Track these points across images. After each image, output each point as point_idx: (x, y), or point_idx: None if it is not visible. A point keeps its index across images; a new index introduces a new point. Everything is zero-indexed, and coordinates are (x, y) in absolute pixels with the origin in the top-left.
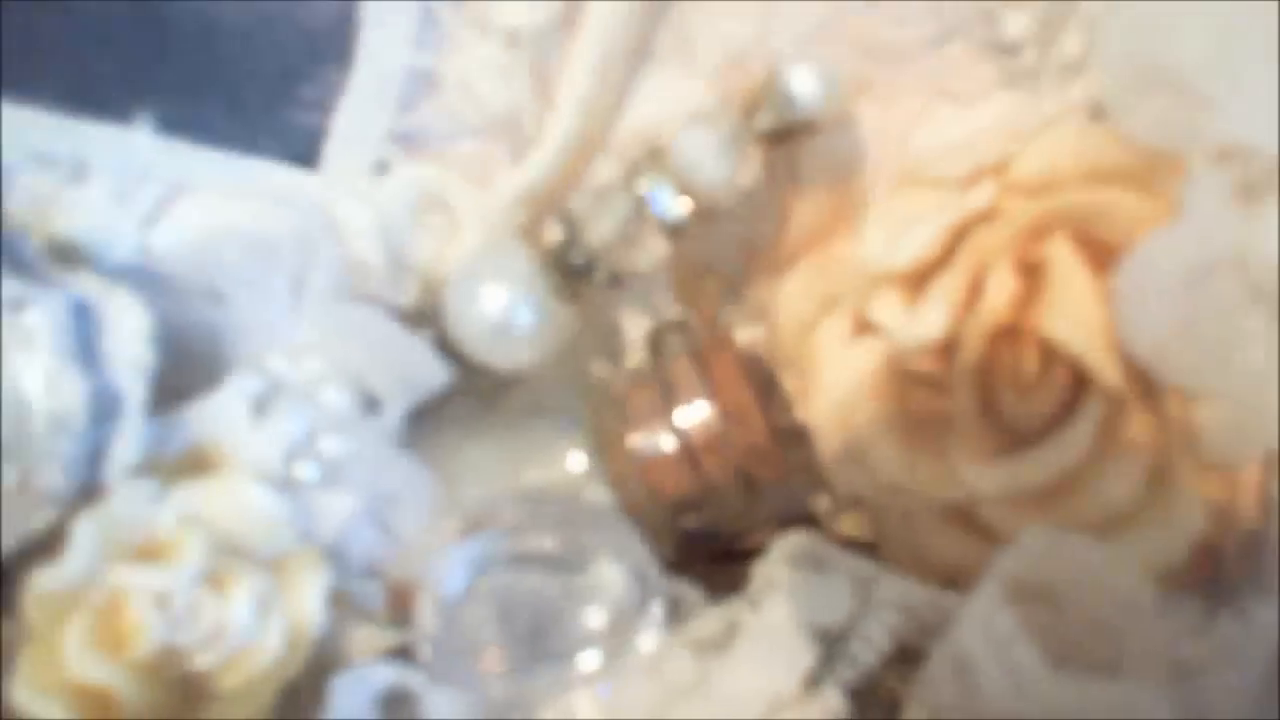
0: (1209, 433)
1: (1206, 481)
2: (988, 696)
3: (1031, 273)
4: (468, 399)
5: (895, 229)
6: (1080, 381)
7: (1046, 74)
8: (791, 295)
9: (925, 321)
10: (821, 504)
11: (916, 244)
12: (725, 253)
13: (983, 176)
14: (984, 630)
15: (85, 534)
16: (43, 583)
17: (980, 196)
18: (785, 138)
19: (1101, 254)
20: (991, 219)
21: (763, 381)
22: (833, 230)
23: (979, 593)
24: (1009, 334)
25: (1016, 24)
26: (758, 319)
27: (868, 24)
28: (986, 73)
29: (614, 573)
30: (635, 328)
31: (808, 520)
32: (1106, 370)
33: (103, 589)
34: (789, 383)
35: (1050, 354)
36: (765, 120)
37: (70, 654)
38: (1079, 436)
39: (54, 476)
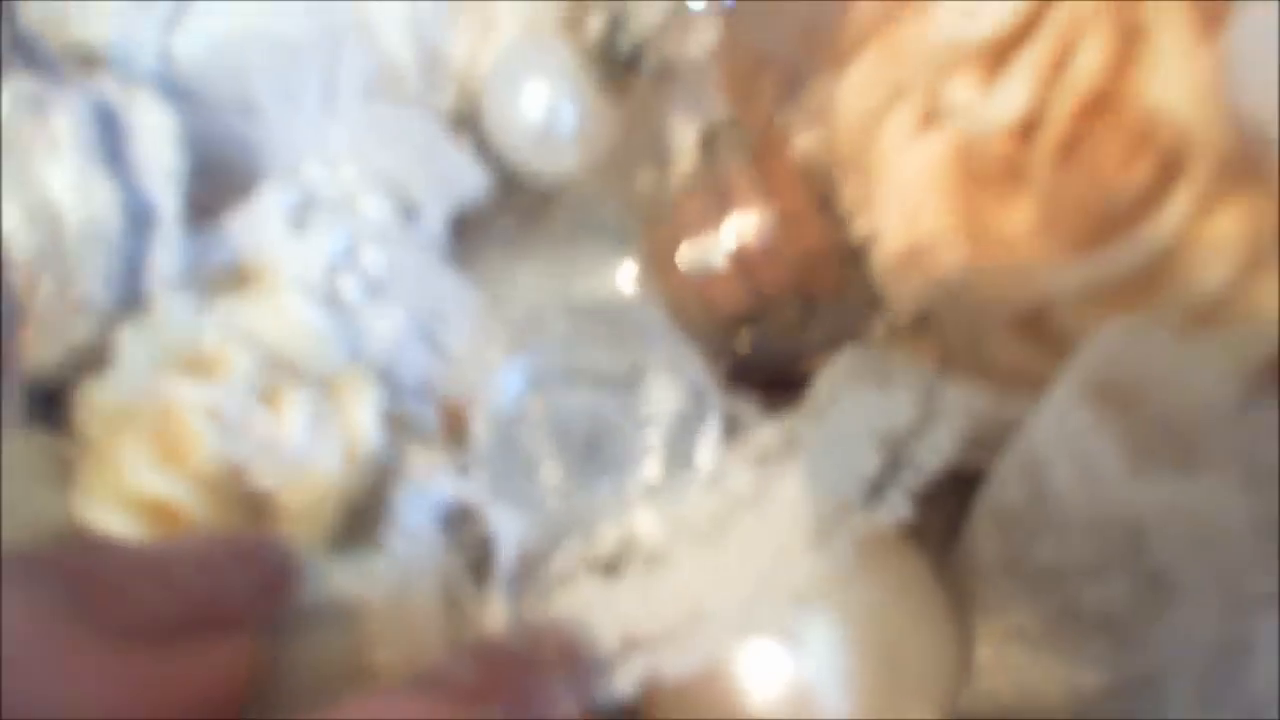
0: None
1: None
2: (1059, 497)
3: (1128, 36)
4: (512, 216)
5: (970, 5)
6: (1173, 162)
7: None
8: (854, 87)
9: (1005, 97)
10: (879, 329)
11: (997, 11)
12: (782, 41)
13: None
14: (1059, 427)
15: (132, 344)
16: (95, 394)
17: None
18: None
19: (1210, 13)
20: None
21: (821, 191)
22: (901, 11)
23: (1053, 390)
24: (1099, 105)
25: None
26: (817, 121)
27: None
28: None
29: (669, 387)
30: (685, 131)
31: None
32: (1210, 140)
33: (155, 402)
34: (850, 190)
35: (1141, 130)
36: None
37: (130, 467)
38: (1171, 217)
39: (92, 285)
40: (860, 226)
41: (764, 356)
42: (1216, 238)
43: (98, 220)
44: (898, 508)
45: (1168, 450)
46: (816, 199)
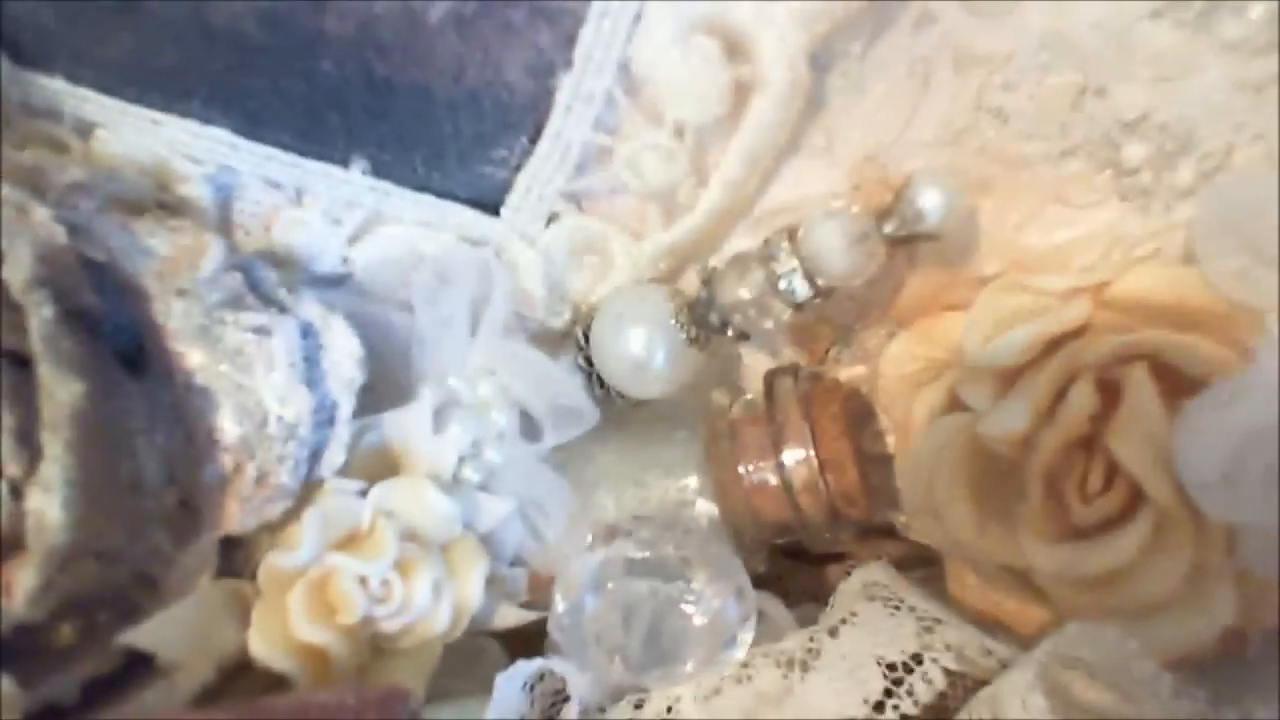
0: (1246, 552)
1: (1244, 583)
2: None
3: (1110, 391)
4: (604, 415)
5: (995, 326)
6: (1137, 493)
7: (1158, 195)
8: (897, 356)
9: (1010, 416)
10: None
11: (1014, 347)
12: (840, 310)
13: (1080, 293)
14: (1020, 702)
15: (312, 528)
16: (277, 562)
17: (1076, 312)
18: (908, 241)
19: (1178, 385)
20: (1082, 335)
21: (860, 414)
22: (940, 302)
23: (1020, 667)
24: (1081, 444)
25: (1137, 152)
26: (863, 360)
27: (997, 134)
28: (1101, 185)
29: (718, 588)
30: (753, 362)
31: (888, 530)
32: (1161, 492)
33: (318, 569)
34: (883, 421)
35: (1114, 467)
36: (892, 226)
37: (295, 620)
38: (1130, 541)
39: (286, 474)
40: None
41: (799, 549)
42: (1165, 560)
43: (296, 421)
44: None
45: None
46: (853, 441)
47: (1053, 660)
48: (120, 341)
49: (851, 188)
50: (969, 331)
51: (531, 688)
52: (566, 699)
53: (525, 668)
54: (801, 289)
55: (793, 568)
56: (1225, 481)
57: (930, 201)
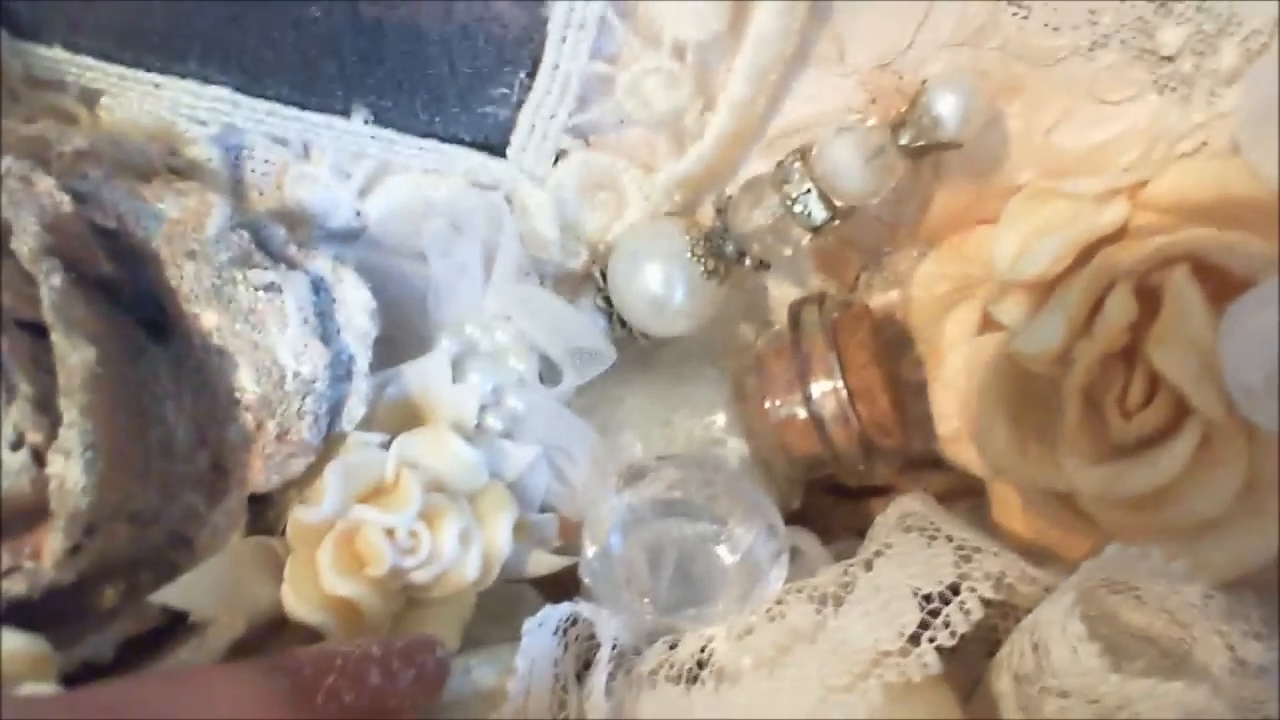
0: None
1: None
2: (1057, 674)
3: (1150, 298)
4: (628, 355)
5: (1027, 239)
6: (1183, 406)
7: (1200, 83)
8: (927, 276)
9: (1044, 332)
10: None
11: (1045, 257)
12: (867, 232)
13: (1116, 195)
14: (1059, 627)
15: (335, 481)
16: (303, 517)
17: (1111, 215)
18: (927, 151)
19: (1222, 286)
20: (1119, 238)
21: (896, 341)
22: (972, 217)
23: (1059, 593)
24: (1120, 357)
25: (1174, 36)
26: (895, 284)
27: (1020, 30)
28: (1138, 76)
29: (748, 526)
30: (780, 293)
31: (933, 461)
32: (1207, 403)
33: (346, 523)
34: (919, 347)
35: (1157, 379)
36: (909, 136)
37: (325, 573)
38: (1176, 456)
39: (307, 430)
40: (926, 395)
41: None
42: (1214, 475)
43: (311, 377)
44: (929, 661)
45: (1157, 636)
46: (886, 369)
47: (1097, 585)
48: (142, 310)
49: (868, 100)
50: (999, 244)
51: (564, 632)
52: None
53: (554, 612)
54: (818, 211)
55: (834, 503)
56: (1272, 387)
57: (947, 107)
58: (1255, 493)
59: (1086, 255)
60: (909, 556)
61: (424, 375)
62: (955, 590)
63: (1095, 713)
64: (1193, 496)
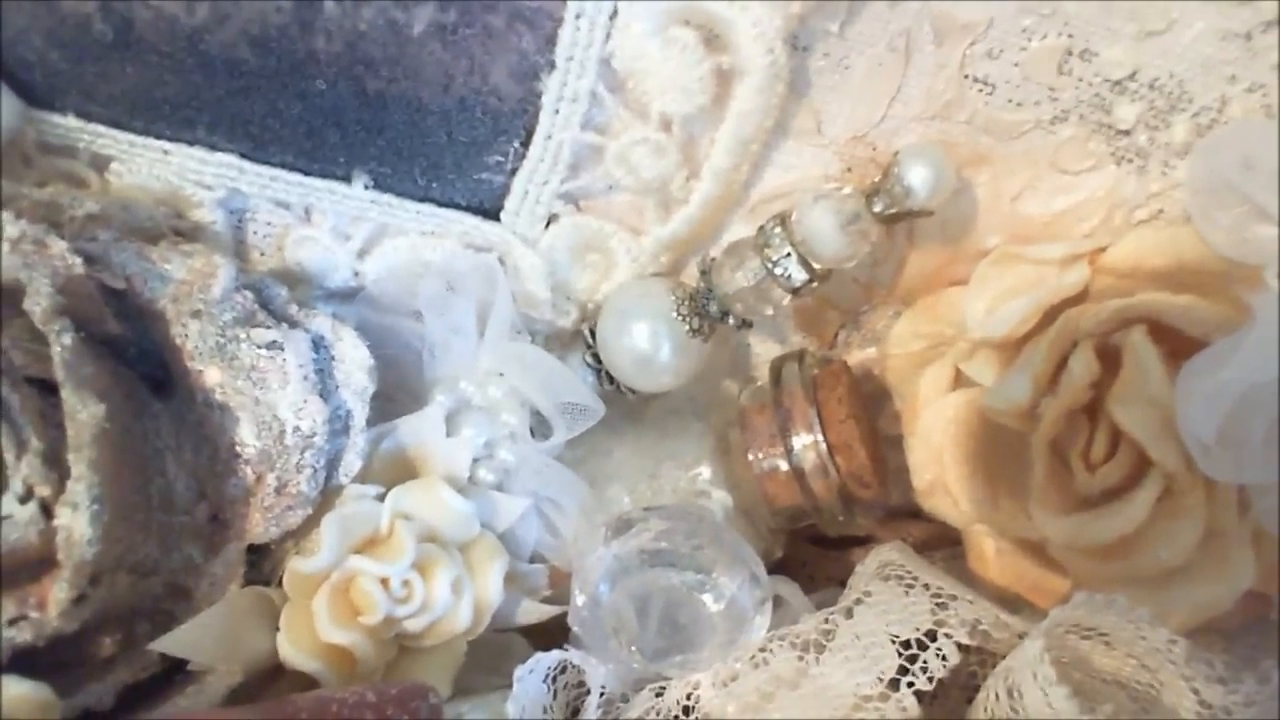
0: (1259, 509)
1: (1262, 543)
2: (1031, 717)
3: (1111, 356)
4: (616, 410)
5: (995, 300)
6: (1143, 458)
7: (1154, 155)
8: (902, 334)
9: (1012, 388)
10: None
11: (1012, 318)
12: (845, 293)
13: (1078, 259)
14: (1031, 671)
15: (331, 533)
16: (301, 567)
17: (1074, 278)
18: (900, 218)
19: (1178, 345)
20: (1081, 300)
21: (874, 396)
22: (944, 278)
23: (1030, 639)
24: (1085, 412)
25: (1129, 112)
26: (873, 342)
27: (986, 105)
28: (1096, 149)
29: (732, 575)
30: (762, 350)
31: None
32: (1166, 456)
33: (340, 572)
34: (896, 403)
35: (1118, 433)
36: (882, 204)
37: (320, 622)
38: (1138, 507)
39: (305, 483)
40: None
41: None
42: (1176, 525)
43: (310, 432)
44: (908, 706)
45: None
46: (864, 423)
47: (1067, 630)
48: (145, 366)
49: (844, 169)
50: (969, 305)
51: (554, 680)
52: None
53: (545, 660)
54: (797, 273)
55: (817, 554)
56: (1225, 442)
57: (918, 177)
58: (1215, 542)
59: (1051, 316)
60: (888, 604)
61: (419, 429)
62: (933, 637)
63: None
64: (1155, 545)
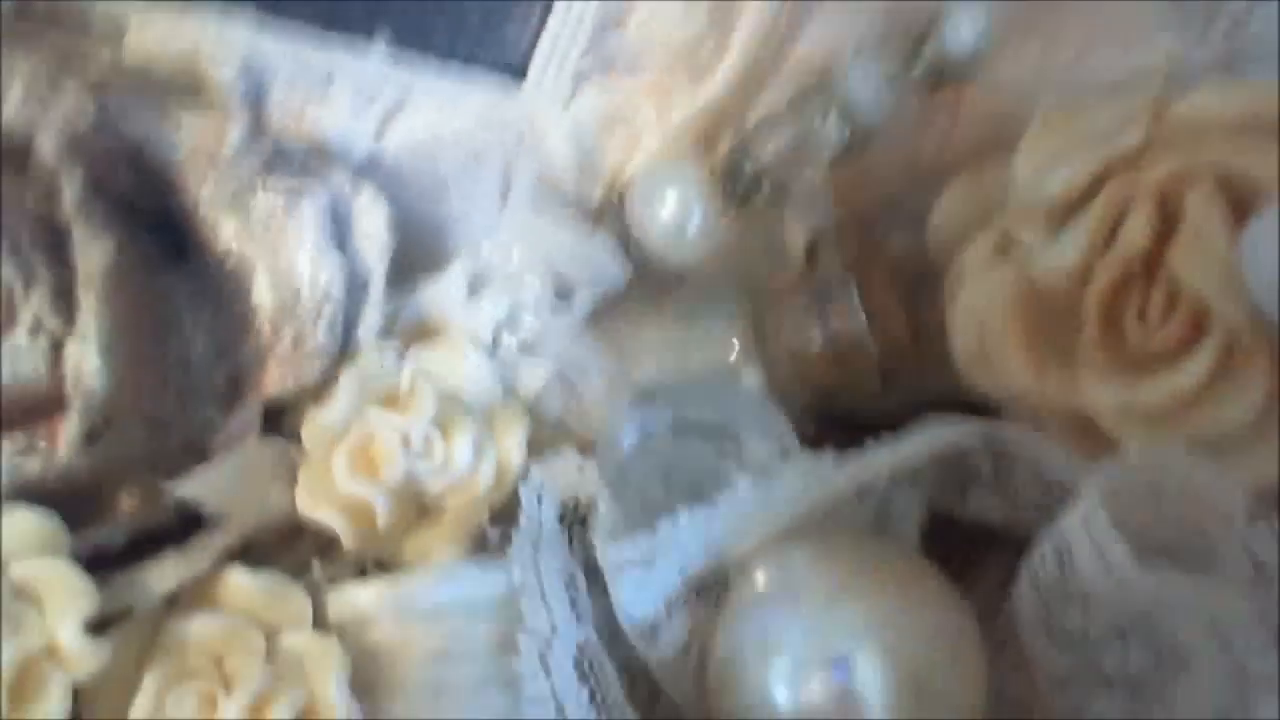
0: None
1: None
2: (1082, 577)
3: (1170, 216)
4: (645, 290)
5: (1045, 162)
6: (1203, 316)
7: (1214, 21)
8: (947, 208)
9: (1063, 250)
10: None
11: (1063, 180)
12: (886, 169)
13: (1135, 119)
14: (1083, 522)
15: (348, 384)
16: (318, 419)
17: (1131, 138)
18: (944, 78)
19: (1242, 204)
20: (1138, 161)
21: (913, 280)
22: (990, 151)
23: (1083, 492)
24: (1141, 270)
25: None
26: (916, 221)
27: None
28: (1150, 16)
29: (762, 445)
30: (798, 233)
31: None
32: (1229, 309)
33: (361, 427)
34: (940, 282)
35: (1176, 291)
36: (926, 62)
37: (339, 475)
38: (1198, 364)
39: (322, 337)
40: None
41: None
42: (1237, 388)
43: (328, 287)
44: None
45: (1175, 546)
46: (903, 299)
47: (1120, 484)
48: (161, 235)
49: (886, 26)
50: (1018, 168)
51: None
52: None
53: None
54: (836, 136)
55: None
56: None
57: (965, 33)
58: (1277, 407)
59: (1106, 177)
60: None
61: (439, 296)
62: None
63: (1118, 619)
64: (1215, 408)
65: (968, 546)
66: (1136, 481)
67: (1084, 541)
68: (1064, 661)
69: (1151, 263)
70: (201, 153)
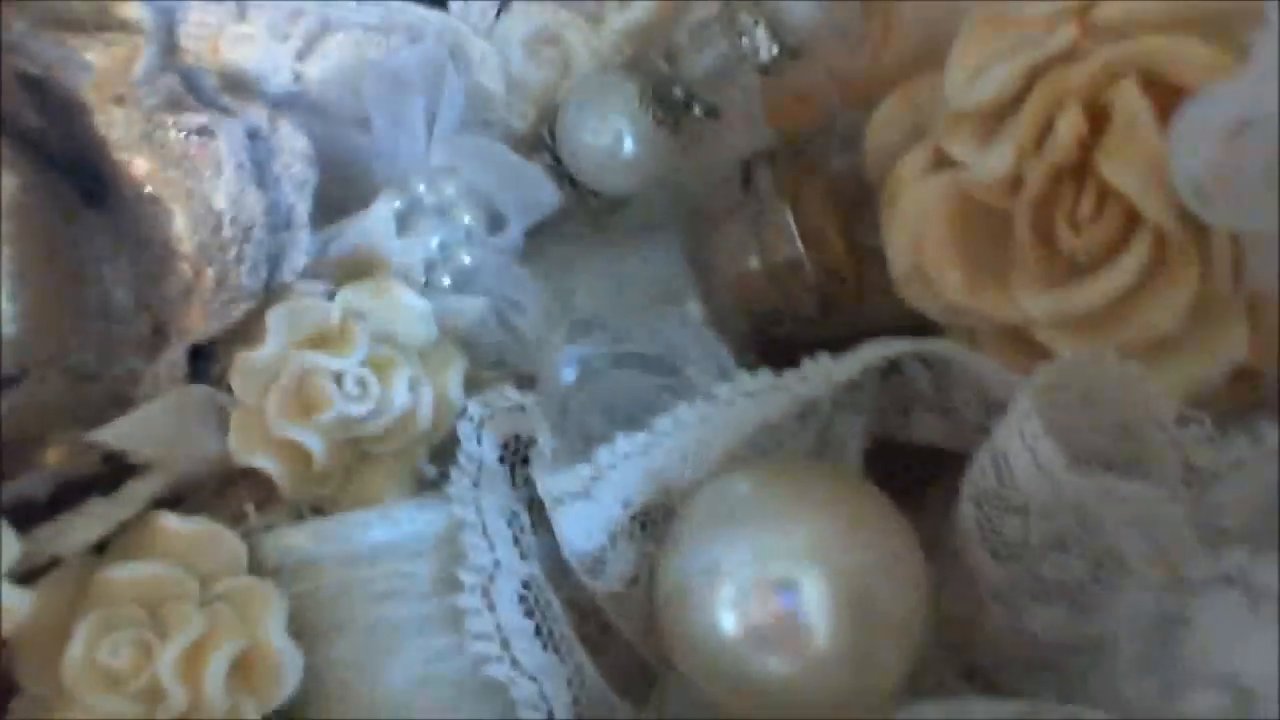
0: (1253, 268)
1: (1257, 315)
2: (1018, 485)
3: (1100, 116)
4: (580, 219)
5: (976, 67)
6: (1134, 218)
7: None
8: (880, 124)
9: (994, 159)
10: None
11: (993, 84)
12: (818, 84)
13: (1064, 18)
14: (1016, 428)
15: (276, 325)
16: (247, 362)
17: (1060, 39)
18: None
19: (1172, 99)
20: (1068, 61)
21: (850, 204)
22: (923, 65)
23: (1016, 398)
24: (1071, 173)
25: None
26: (849, 143)
27: None
28: None
29: (704, 377)
30: (733, 155)
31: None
32: (1156, 209)
33: (292, 368)
34: (878, 206)
35: (1106, 193)
36: None
37: (272, 418)
38: (1126, 267)
39: (245, 275)
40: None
41: (792, 342)
42: (1167, 289)
43: (249, 224)
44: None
45: (1108, 453)
46: (840, 218)
47: (1053, 390)
48: (75, 176)
49: None
50: (950, 76)
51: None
52: None
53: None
54: (766, 48)
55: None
56: (1221, 181)
57: None
58: (1207, 310)
59: (1036, 79)
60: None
61: (368, 230)
62: None
63: (1054, 526)
64: (1144, 312)
65: (917, 469)
66: (1069, 386)
67: (1019, 447)
68: (1004, 572)
69: (1082, 166)
70: (108, 86)
